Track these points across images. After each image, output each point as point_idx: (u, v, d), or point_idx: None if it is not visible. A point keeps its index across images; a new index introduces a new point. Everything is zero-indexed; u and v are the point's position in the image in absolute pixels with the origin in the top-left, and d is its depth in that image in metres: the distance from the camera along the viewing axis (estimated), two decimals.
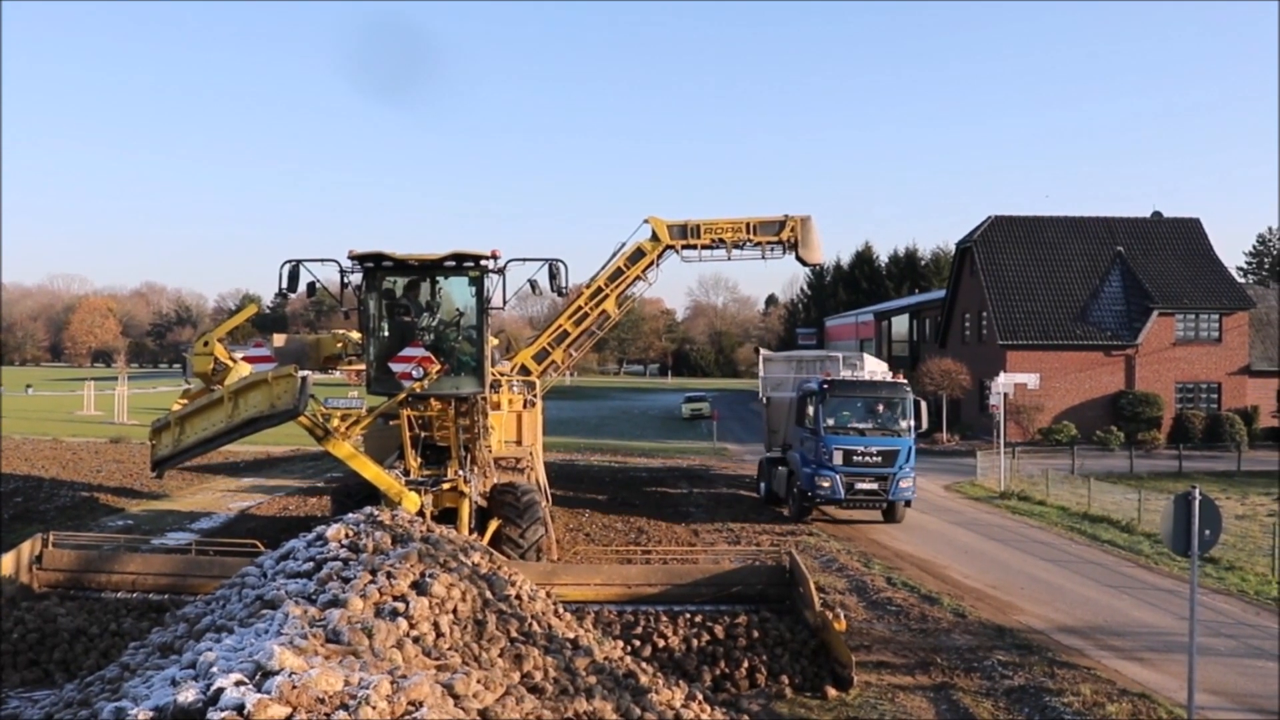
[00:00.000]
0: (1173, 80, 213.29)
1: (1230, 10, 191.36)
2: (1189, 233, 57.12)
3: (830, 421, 25.80)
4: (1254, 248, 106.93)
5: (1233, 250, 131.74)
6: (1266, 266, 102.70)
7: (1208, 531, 11.70)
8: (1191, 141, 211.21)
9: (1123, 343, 52.39)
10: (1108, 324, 52.96)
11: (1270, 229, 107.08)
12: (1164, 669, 14.57)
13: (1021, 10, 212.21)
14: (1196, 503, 11.64)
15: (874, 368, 31.09)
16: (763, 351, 31.14)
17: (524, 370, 23.63)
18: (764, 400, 31.20)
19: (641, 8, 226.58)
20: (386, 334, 16.48)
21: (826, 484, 25.53)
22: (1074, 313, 53.28)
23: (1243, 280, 71.92)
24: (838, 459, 25.55)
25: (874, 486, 25.77)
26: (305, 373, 14.77)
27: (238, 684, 7.48)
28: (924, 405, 26.65)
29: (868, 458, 25.66)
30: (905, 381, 27.44)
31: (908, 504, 26.84)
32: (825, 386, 25.96)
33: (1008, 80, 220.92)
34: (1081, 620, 17.39)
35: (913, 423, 26.22)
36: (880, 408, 26.41)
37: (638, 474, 38.99)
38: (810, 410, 26.44)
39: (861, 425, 26.03)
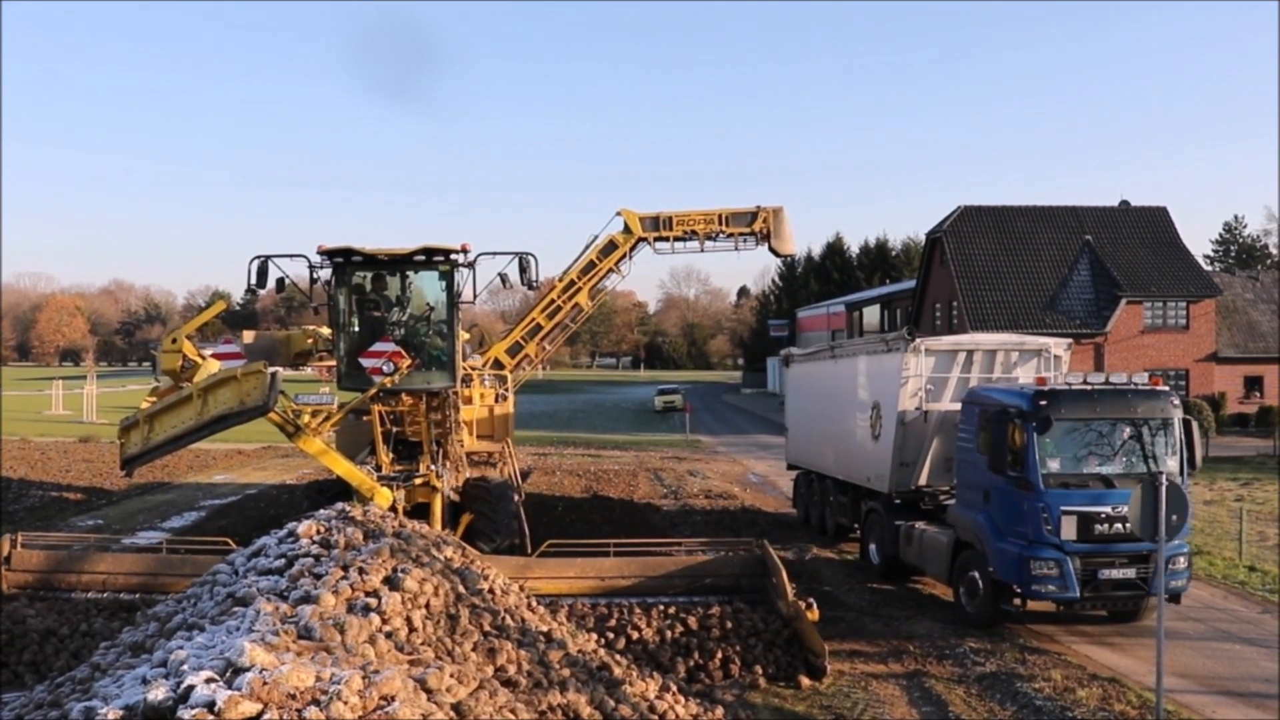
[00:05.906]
0: (1141, 70, 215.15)
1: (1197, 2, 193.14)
2: (1156, 221, 57.53)
3: (1054, 465, 15.36)
4: (1220, 235, 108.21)
5: (1199, 238, 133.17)
6: (1233, 254, 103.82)
7: (1174, 517, 11.84)
8: (1159, 130, 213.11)
9: (1091, 331, 52.73)
10: (1076, 312, 53.31)
11: (1236, 217, 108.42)
12: (1133, 653, 14.76)
13: (990, 3, 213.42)
14: (1163, 489, 11.78)
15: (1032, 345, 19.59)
16: (920, 340, 19.16)
17: (497, 364, 23.52)
18: (906, 414, 18.84)
19: (610, 6, 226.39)
20: (357, 329, 16.44)
21: (1051, 572, 15.11)
22: (1043, 301, 53.59)
23: (1209, 268, 72.53)
24: (1068, 530, 15.07)
25: (1130, 574, 15.19)
26: (275, 369, 14.69)
27: (208, 681, 7.46)
28: (1196, 427, 16.15)
29: (1118, 525, 14.96)
30: (1168, 389, 16.22)
31: (1175, 599, 15.77)
32: (1042, 403, 15.28)
33: (977, 72, 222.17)
34: (1051, 606, 17.49)
35: (1185, 458, 15.79)
36: (1130, 435, 15.66)
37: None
38: (1014, 443, 15.58)
39: (1106, 469, 15.50)
